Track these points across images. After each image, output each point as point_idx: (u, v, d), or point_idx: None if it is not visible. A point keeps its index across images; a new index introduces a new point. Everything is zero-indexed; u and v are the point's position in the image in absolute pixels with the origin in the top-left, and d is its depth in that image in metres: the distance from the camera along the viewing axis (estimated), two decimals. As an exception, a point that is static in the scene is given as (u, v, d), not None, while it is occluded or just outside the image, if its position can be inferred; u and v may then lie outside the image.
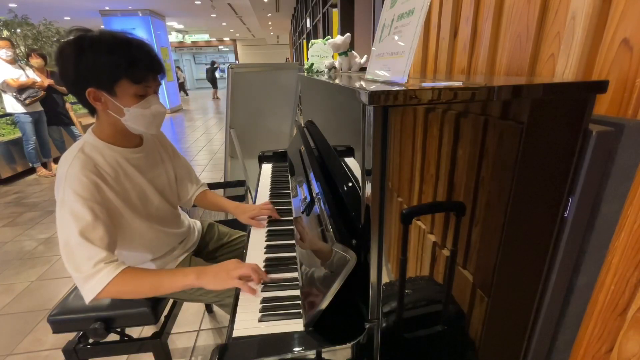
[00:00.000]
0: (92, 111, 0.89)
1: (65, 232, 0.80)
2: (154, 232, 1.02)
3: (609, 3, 0.59)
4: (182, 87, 13.87)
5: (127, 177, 0.94)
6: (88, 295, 0.80)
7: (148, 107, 0.88)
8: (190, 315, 1.75)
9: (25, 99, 3.57)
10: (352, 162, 0.72)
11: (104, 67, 0.79)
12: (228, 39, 18.64)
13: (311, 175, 1.01)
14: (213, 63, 13.73)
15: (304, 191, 1.03)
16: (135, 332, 1.57)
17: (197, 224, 1.30)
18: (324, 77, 1.09)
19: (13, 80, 3.47)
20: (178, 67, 14.55)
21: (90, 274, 0.79)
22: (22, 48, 5.10)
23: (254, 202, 1.24)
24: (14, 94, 3.55)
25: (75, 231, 0.79)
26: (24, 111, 3.67)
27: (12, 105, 3.63)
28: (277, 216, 1.14)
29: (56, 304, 1.09)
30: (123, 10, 8.37)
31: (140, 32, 8.05)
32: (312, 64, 1.50)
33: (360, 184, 0.62)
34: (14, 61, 3.59)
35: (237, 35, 17.34)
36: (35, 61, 3.67)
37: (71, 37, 0.80)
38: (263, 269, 0.86)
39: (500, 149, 0.54)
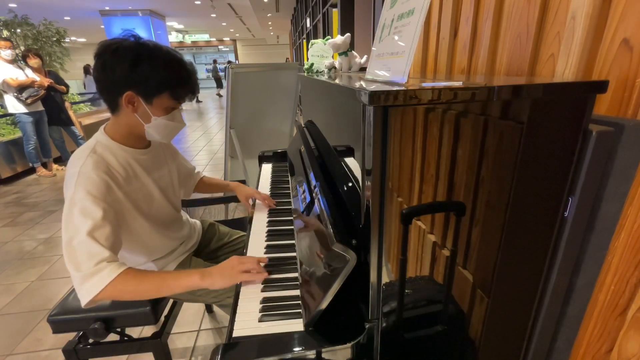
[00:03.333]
0: (114, 109, 0.90)
1: (70, 230, 0.79)
2: (156, 234, 1.03)
3: (609, 3, 0.59)
4: (219, 83, 13.02)
5: (136, 177, 0.96)
6: (87, 294, 0.77)
7: (172, 120, 0.93)
8: (190, 315, 1.75)
9: (26, 99, 3.58)
10: (352, 162, 0.72)
11: (155, 79, 0.84)
12: (228, 39, 18.64)
13: (311, 175, 1.01)
14: (229, 62, 13.45)
15: (304, 191, 1.03)
16: (135, 332, 1.56)
17: (198, 224, 1.30)
18: (324, 77, 1.09)
19: (12, 79, 3.47)
20: (215, 60, 13.80)
21: (90, 272, 0.77)
22: (22, 48, 5.10)
23: (254, 203, 1.27)
24: (15, 93, 3.55)
25: (82, 229, 0.78)
26: (26, 111, 3.67)
27: (14, 105, 3.63)
28: (272, 204, 1.24)
29: (56, 304, 1.09)
30: (123, 10, 8.38)
31: (141, 32, 7.99)
32: (312, 64, 1.50)
33: (360, 184, 0.62)
34: (13, 61, 3.59)
35: (237, 35, 17.35)
36: (34, 61, 3.67)
37: (128, 42, 0.84)
38: (263, 267, 0.87)
39: (500, 149, 0.54)
